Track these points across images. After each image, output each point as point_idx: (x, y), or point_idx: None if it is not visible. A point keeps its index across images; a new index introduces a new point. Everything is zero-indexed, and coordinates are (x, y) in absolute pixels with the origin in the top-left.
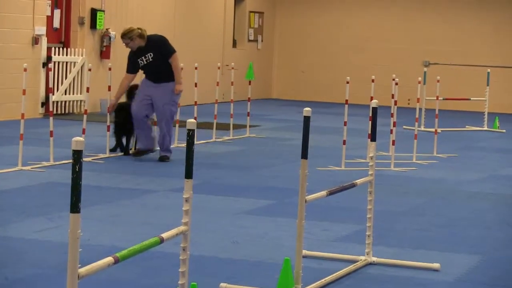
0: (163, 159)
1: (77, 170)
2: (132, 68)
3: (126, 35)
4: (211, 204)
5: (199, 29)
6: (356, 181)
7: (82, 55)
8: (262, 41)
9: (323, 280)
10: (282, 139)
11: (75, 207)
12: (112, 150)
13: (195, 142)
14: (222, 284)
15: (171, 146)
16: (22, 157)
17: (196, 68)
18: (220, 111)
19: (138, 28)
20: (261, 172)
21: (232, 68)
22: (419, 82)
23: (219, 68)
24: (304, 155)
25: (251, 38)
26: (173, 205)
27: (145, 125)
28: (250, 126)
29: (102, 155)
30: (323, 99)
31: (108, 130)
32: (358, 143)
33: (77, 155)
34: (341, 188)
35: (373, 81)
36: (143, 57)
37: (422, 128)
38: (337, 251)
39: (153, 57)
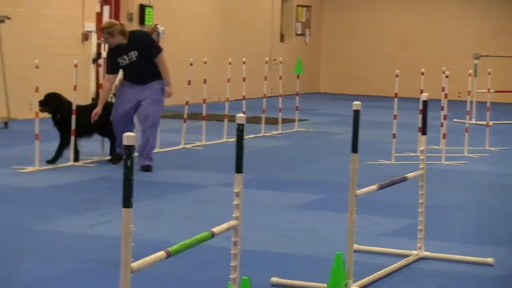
0: (146, 169)
1: (128, 165)
2: (112, 68)
3: (106, 29)
4: (260, 198)
5: (247, 23)
6: (407, 175)
7: None
8: (309, 35)
9: (375, 274)
10: (330, 133)
11: (127, 202)
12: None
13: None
14: (273, 279)
15: (153, 152)
16: (74, 152)
17: (244, 63)
18: (268, 106)
19: (120, 24)
20: (310, 166)
21: (280, 62)
22: (470, 75)
23: (267, 62)
24: (355, 149)
25: (299, 32)
26: (222, 199)
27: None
28: (298, 120)
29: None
30: (371, 93)
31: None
32: (408, 137)
33: (129, 150)
34: (392, 182)
35: (422, 74)
36: (125, 56)
37: (474, 121)
38: (388, 245)
39: (138, 55)
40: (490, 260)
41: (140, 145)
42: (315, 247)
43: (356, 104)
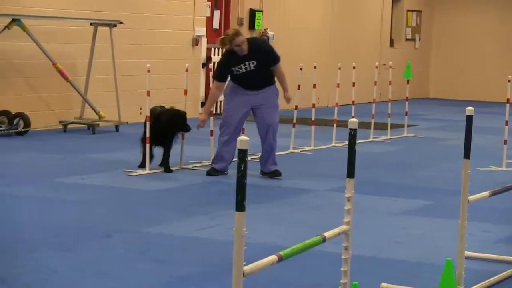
0: (276, 174)
1: (242, 169)
2: (224, 76)
3: (238, 38)
4: (368, 204)
5: (356, 28)
6: None
7: None
8: (419, 40)
9: (485, 282)
10: (440, 139)
11: (240, 206)
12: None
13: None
14: (383, 284)
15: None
16: (183, 156)
17: (354, 68)
18: (377, 111)
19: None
20: (419, 172)
21: (390, 67)
22: None
23: (376, 67)
24: (467, 155)
25: (409, 37)
26: (330, 204)
27: (235, 142)
28: (408, 126)
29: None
30: (480, 98)
31: None
32: None
33: (242, 154)
34: (505, 189)
35: None
36: (241, 65)
37: None
38: (499, 252)
39: (256, 65)
40: None
41: (264, 152)
42: (425, 253)
43: (469, 109)
